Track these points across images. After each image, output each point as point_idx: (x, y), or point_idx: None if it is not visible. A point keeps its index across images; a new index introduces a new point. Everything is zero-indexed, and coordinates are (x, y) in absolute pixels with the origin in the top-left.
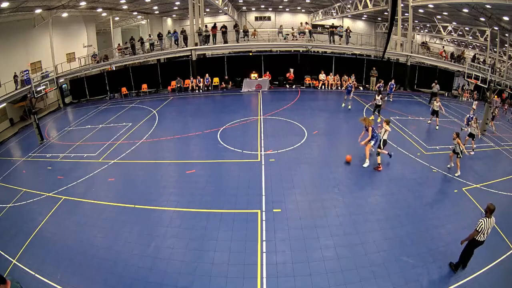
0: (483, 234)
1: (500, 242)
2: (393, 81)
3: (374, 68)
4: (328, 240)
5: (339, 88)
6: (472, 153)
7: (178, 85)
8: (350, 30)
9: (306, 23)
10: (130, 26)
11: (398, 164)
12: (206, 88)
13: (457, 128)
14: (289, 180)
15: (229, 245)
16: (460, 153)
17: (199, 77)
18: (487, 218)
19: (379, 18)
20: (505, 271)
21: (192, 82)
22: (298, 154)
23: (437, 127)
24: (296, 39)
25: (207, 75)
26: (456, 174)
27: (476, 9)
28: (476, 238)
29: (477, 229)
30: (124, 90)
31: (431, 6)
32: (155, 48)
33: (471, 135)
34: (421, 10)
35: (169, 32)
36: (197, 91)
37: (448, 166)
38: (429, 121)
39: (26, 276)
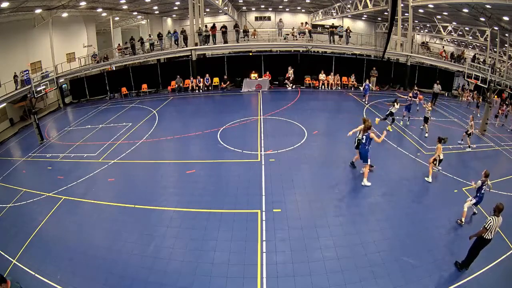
0: (491, 232)
1: (500, 242)
2: (367, 82)
3: (374, 68)
4: (328, 240)
5: (339, 88)
6: (469, 149)
7: (178, 84)
8: (350, 30)
9: (306, 23)
10: (130, 26)
11: (398, 164)
12: (206, 88)
13: (454, 129)
14: (289, 180)
15: (229, 245)
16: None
17: (199, 77)
18: (495, 217)
19: (379, 18)
20: (505, 271)
21: (192, 82)
22: (298, 154)
23: (426, 135)
24: (296, 39)
25: (207, 75)
26: (429, 180)
27: (476, 9)
28: (484, 236)
29: (486, 226)
30: (124, 90)
31: (431, 6)
32: (155, 48)
33: (467, 133)
34: (421, 10)
35: (169, 32)
36: (197, 91)
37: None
38: (422, 127)
39: (26, 276)
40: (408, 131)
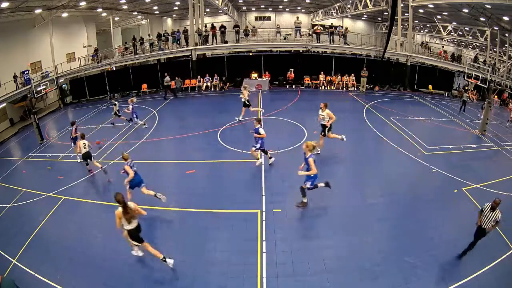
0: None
1: (500, 242)
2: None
3: (364, 68)
4: (328, 240)
5: (340, 88)
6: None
7: (176, 86)
8: (348, 31)
9: (317, 25)
10: (130, 26)
11: (398, 164)
12: (206, 88)
13: (459, 130)
14: (289, 180)
15: (229, 245)
16: None
17: (199, 77)
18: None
19: (379, 18)
20: (505, 271)
21: (199, 82)
22: (298, 154)
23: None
24: (301, 36)
25: (207, 75)
26: None
27: (476, 9)
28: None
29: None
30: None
31: (431, 6)
32: (154, 48)
33: None
34: (421, 10)
35: (173, 32)
36: (197, 90)
37: None
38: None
39: (26, 276)
40: (408, 131)
